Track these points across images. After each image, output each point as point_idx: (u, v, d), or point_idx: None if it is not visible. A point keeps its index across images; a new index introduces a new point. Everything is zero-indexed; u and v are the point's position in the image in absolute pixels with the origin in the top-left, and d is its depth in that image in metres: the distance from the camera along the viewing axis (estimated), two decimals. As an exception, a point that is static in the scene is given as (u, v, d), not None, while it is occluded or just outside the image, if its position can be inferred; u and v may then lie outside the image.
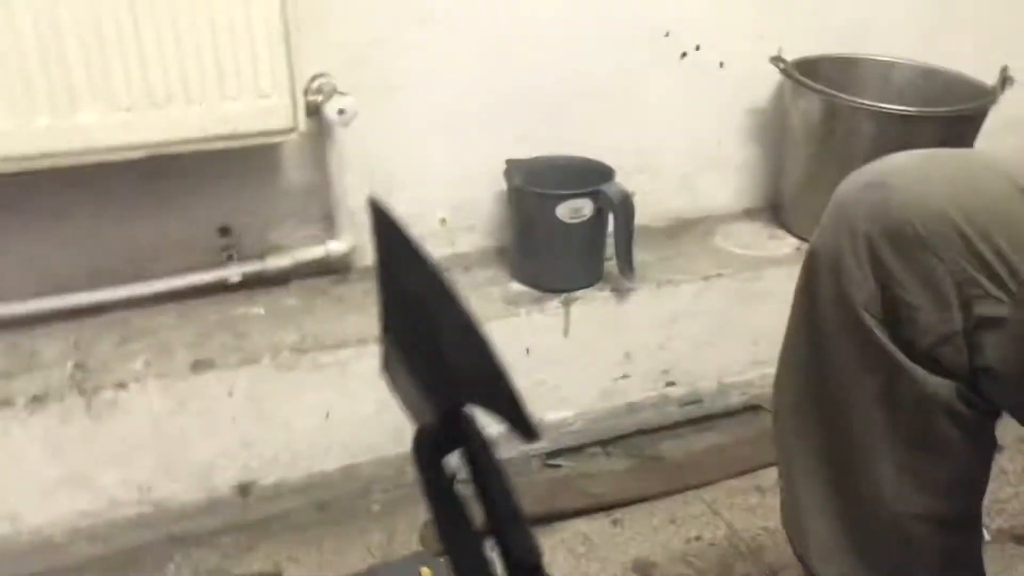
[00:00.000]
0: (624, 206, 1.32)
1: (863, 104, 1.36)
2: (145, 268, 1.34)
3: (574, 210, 1.32)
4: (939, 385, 0.73)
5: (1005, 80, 1.41)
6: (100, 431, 1.18)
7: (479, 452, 0.57)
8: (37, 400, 1.15)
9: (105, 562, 1.24)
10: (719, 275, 1.46)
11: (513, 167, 1.38)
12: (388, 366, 0.58)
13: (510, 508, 0.56)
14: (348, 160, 1.34)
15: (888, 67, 1.57)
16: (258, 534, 1.29)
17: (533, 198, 1.33)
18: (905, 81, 1.54)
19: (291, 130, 1.21)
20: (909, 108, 1.35)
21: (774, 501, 1.34)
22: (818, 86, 1.41)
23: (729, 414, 1.56)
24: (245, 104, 1.16)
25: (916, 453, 0.77)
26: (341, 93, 1.27)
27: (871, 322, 0.74)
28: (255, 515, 1.31)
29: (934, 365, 0.72)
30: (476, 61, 1.39)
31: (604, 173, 1.36)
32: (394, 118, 1.38)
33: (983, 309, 0.69)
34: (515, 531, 0.55)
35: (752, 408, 1.58)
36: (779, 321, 0.87)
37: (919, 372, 0.73)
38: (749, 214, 1.68)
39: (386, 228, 0.58)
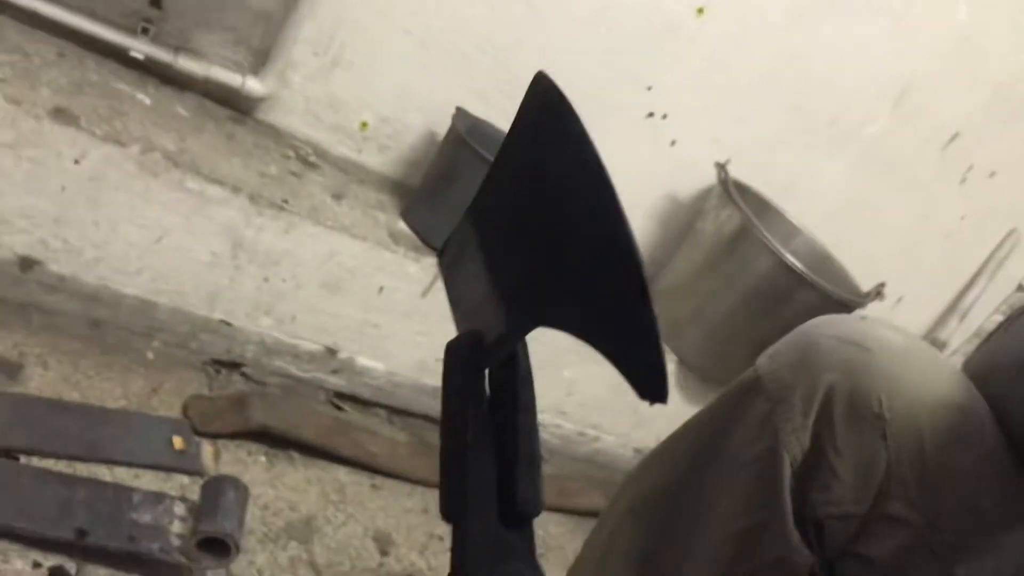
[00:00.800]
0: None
1: (774, 247, 1.45)
2: (52, -12, 1.16)
3: (500, 189, 1.29)
4: (805, 556, 0.72)
5: (878, 292, 1.56)
6: (-89, 117, 1.00)
7: (521, 384, 0.52)
8: None
9: None
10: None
11: (462, 116, 1.34)
12: (453, 253, 0.52)
13: (531, 451, 0.52)
14: (316, 9, 1.25)
15: (795, 230, 1.68)
16: (15, 317, 1.13)
17: (470, 153, 1.29)
18: (801, 248, 1.66)
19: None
20: (807, 272, 1.45)
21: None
22: (746, 208, 1.48)
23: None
24: None
25: None
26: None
27: (786, 462, 0.72)
28: (22, 296, 1.14)
29: (813, 535, 0.72)
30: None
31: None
32: (380, 3, 1.30)
33: (894, 507, 0.69)
34: (528, 475, 0.51)
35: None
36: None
37: (795, 536, 0.72)
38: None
39: (546, 105, 0.51)
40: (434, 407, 1.48)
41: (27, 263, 1.13)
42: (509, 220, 0.54)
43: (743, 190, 1.59)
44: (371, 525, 1.21)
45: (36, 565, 0.87)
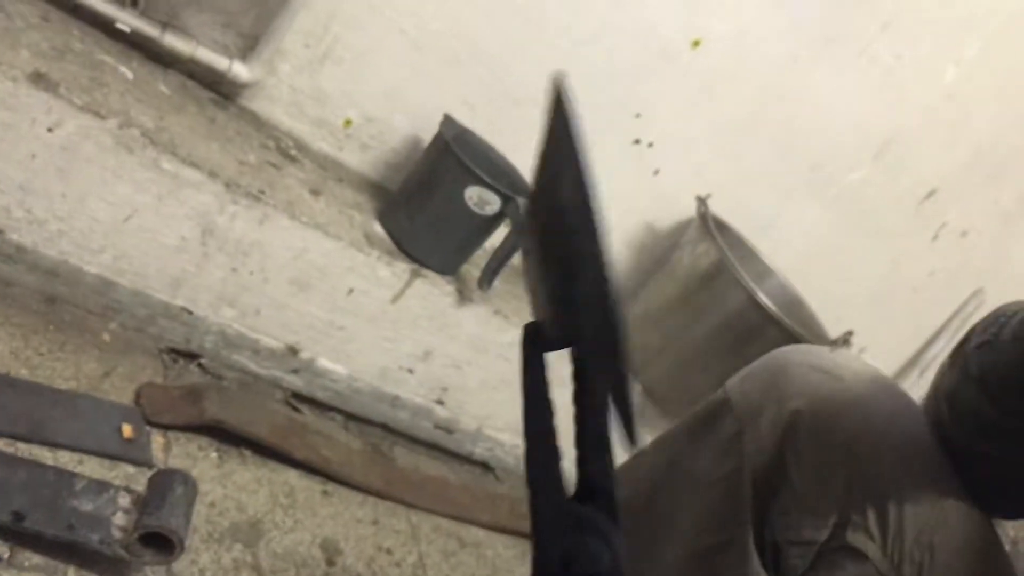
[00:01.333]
0: (522, 231, 1.30)
1: (748, 284, 1.45)
2: (39, -53, 1.12)
3: (482, 200, 1.27)
4: None
5: (845, 340, 1.56)
6: None
7: (589, 365, 0.53)
8: None
9: None
10: (544, 339, 1.46)
11: (450, 123, 1.31)
12: (524, 237, 0.54)
13: (598, 427, 0.52)
14: (309, 1, 1.22)
15: (768, 270, 1.69)
16: (-32, 284, 1.08)
17: (454, 163, 1.27)
18: (773, 289, 1.66)
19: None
20: (777, 312, 1.45)
21: (470, 558, 1.35)
22: (723, 244, 1.48)
23: (468, 460, 1.55)
24: None
25: None
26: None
27: (747, 482, 0.73)
28: (-23, 263, 1.10)
29: (770, 559, 0.72)
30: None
31: (526, 189, 1.33)
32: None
33: (855, 538, 0.69)
34: (596, 451, 0.51)
35: (485, 466, 1.58)
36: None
37: (755, 558, 0.72)
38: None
39: (558, 117, 0.53)
40: (392, 416, 1.45)
41: (-14, 229, 1.08)
42: (547, 227, 0.56)
43: (721, 226, 1.59)
44: (319, 532, 1.17)
45: (-35, 547, 0.83)
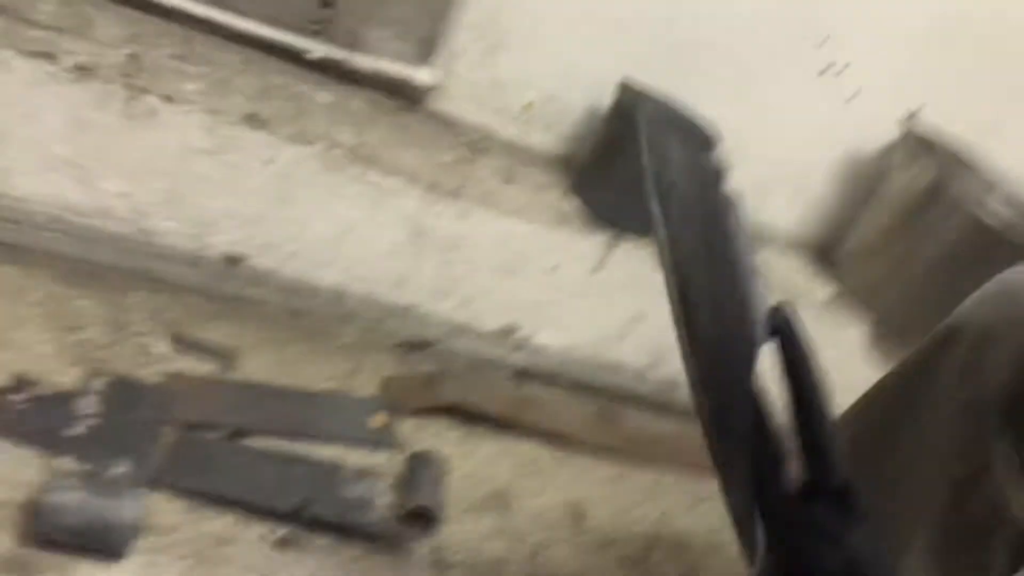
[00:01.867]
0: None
1: (972, 201, 1.35)
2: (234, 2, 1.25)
3: (670, 156, 1.27)
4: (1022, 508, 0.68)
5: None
6: (128, 134, 1.09)
7: (804, 359, 0.55)
8: (82, 70, 1.05)
9: (70, 263, 1.14)
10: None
11: (627, 88, 1.32)
12: None
13: (827, 422, 0.54)
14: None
15: (990, 185, 1.56)
16: (227, 309, 1.22)
17: (635, 126, 1.28)
18: (998, 205, 1.53)
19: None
20: (1009, 228, 1.34)
21: (712, 511, 1.36)
22: (939, 162, 1.39)
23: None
24: None
25: (949, 556, 0.74)
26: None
27: (992, 411, 0.70)
28: (231, 290, 1.24)
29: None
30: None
31: (709, 142, 1.32)
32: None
33: None
34: (830, 448, 0.53)
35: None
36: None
37: (1011, 487, 0.69)
38: (797, 243, 1.67)
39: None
40: (614, 380, 1.48)
41: (233, 260, 1.22)
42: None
43: (931, 144, 1.49)
44: (564, 495, 1.23)
45: (265, 536, 0.95)
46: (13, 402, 0.91)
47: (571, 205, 1.37)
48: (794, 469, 0.54)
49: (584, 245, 1.34)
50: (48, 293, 1.09)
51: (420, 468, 0.99)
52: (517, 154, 1.43)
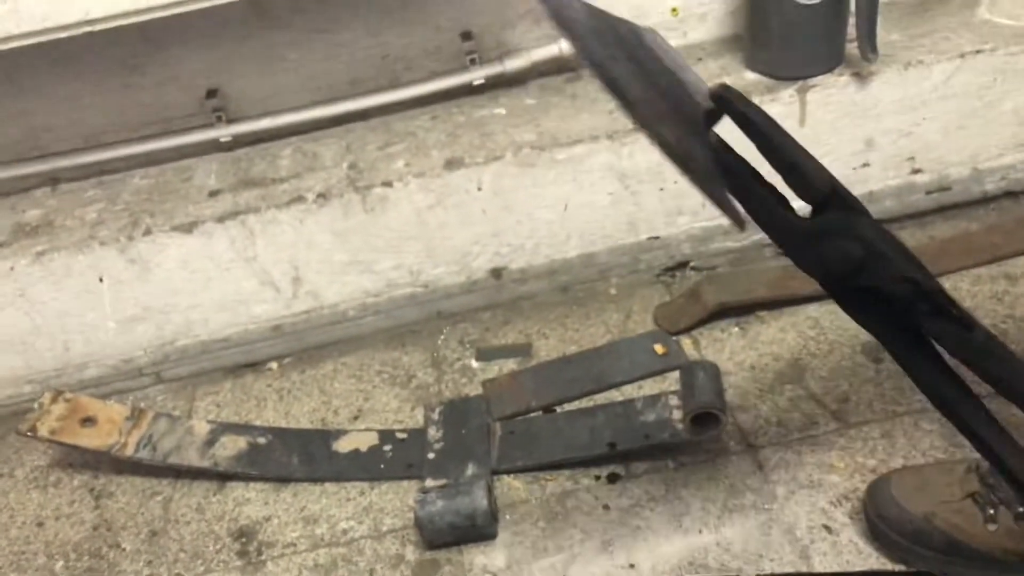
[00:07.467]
0: None
1: None
2: (399, 76, 1.48)
3: (811, -10, 1.26)
4: None
5: None
6: (374, 223, 1.37)
7: (750, 114, 0.70)
8: (322, 196, 1.34)
9: (389, 332, 1.47)
10: (978, 51, 1.35)
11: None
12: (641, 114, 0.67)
13: (791, 145, 0.69)
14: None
15: None
16: (510, 312, 1.46)
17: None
18: None
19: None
20: None
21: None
22: None
23: (982, 201, 1.48)
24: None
25: None
26: None
27: None
28: (507, 296, 1.47)
29: None
30: None
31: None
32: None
33: None
34: (804, 163, 0.70)
35: (1011, 195, 1.49)
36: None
37: None
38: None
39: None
40: (879, 209, 1.47)
41: (496, 272, 1.45)
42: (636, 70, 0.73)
43: None
44: (856, 342, 1.28)
45: (596, 478, 1.16)
46: (385, 452, 1.22)
47: (751, 76, 1.40)
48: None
49: (778, 108, 1.36)
50: (382, 362, 1.42)
51: (691, 377, 1.12)
52: (688, 55, 1.49)
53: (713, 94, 0.71)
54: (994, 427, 0.75)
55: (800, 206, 0.75)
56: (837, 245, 0.71)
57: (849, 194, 0.72)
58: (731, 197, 0.68)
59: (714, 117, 0.72)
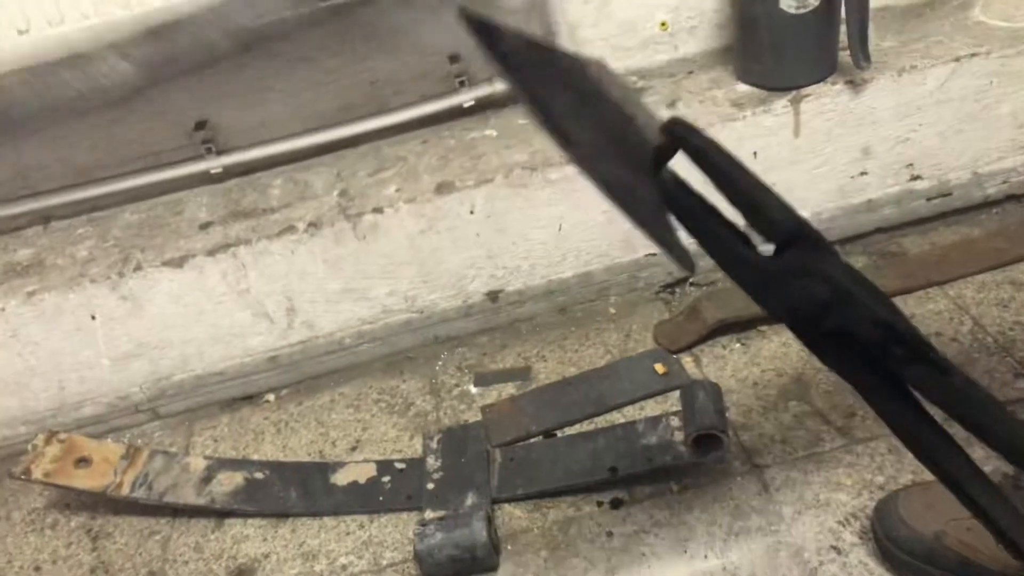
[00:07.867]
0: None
1: None
2: (389, 101, 1.47)
3: (798, 0, 1.24)
4: None
5: None
6: (367, 250, 1.35)
7: (705, 149, 0.66)
8: (313, 225, 1.33)
9: (386, 360, 1.45)
10: (973, 55, 1.33)
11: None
12: (575, 149, 0.64)
13: (752, 182, 0.65)
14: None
15: None
16: (508, 335, 1.44)
17: (756, -9, 1.27)
18: None
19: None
20: None
21: (1027, 295, 1.29)
22: None
23: (984, 206, 1.46)
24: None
25: None
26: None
27: None
28: (504, 319, 1.45)
29: None
30: None
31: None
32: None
33: None
34: (767, 201, 0.65)
35: (1013, 198, 1.46)
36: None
37: None
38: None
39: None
40: (879, 217, 1.45)
41: (492, 295, 1.43)
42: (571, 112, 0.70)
43: None
44: (859, 355, 1.25)
45: (599, 504, 1.13)
46: (383, 483, 1.20)
47: (743, 88, 1.38)
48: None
49: (770, 120, 1.34)
50: (379, 391, 1.40)
51: (691, 398, 1.10)
52: (677, 70, 1.47)
53: (664, 127, 0.67)
54: (980, 478, 0.71)
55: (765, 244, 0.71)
56: (802, 285, 0.65)
57: (815, 231, 0.66)
58: (681, 237, 0.64)
59: (666, 153, 0.68)
